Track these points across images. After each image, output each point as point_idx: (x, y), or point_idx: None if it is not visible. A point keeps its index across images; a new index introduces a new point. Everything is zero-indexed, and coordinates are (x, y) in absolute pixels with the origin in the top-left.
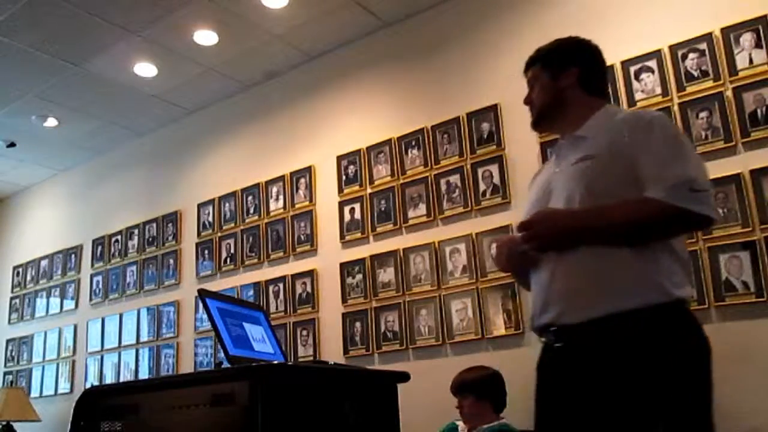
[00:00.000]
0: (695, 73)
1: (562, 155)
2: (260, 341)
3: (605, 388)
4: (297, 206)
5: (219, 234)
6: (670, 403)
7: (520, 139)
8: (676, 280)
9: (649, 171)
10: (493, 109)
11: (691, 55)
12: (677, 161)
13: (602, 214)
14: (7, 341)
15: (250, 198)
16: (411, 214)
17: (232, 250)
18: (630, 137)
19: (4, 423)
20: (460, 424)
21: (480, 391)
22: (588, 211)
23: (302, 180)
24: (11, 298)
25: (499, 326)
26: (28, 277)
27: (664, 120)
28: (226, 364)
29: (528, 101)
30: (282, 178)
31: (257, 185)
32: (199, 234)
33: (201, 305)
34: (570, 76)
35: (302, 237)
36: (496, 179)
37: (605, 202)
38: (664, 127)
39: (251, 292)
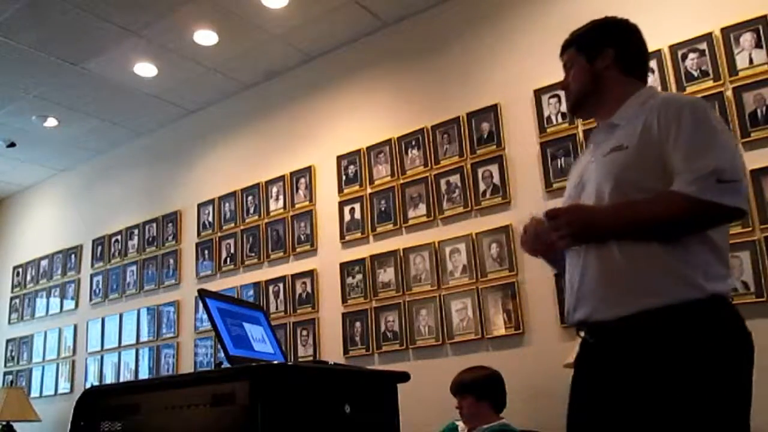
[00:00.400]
0: (695, 73)
1: (597, 144)
2: (260, 341)
3: (634, 388)
4: (297, 206)
5: (219, 234)
6: (697, 407)
7: (520, 139)
8: (711, 273)
9: (677, 162)
10: (493, 108)
11: (691, 55)
12: (705, 150)
13: (628, 211)
14: (7, 341)
15: (250, 198)
16: (411, 214)
17: (232, 250)
18: (659, 125)
19: (4, 423)
20: (460, 424)
21: (480, 391)
22: (614, 208)
23: (302, 180)
24: (11, 298)
25: (499, 326)
26: (28, 277)
27: (697, 105)
28: (226, 364)
29: (564, 86)
30: (282, 178)
31: (257, 185)
32: (199, 234)
33: (201, 305)
34: (606, 58)
35: (302, 237)
36: (496, 179)
37: (634, 196)
38: (695, 113)
39: (251, 292)
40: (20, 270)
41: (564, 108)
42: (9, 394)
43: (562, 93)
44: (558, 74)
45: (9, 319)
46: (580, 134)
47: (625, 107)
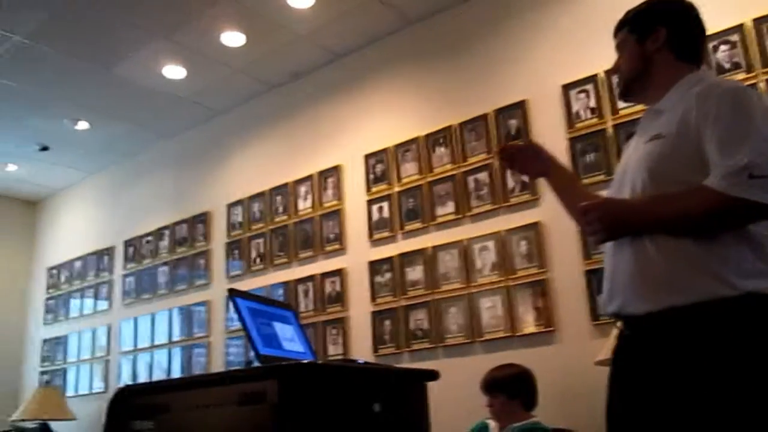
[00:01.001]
0: (727, 65)
1: (642, 130)
2: (290, 340)
3: (663, 385)
4: (325, 205)
5: (248, 234)
6: (719, 405)
7: (549, 135)
8: (746, 269)
9: (712, 154)
10: (521, 105)
11: (722, 47)
12: (740, 143)
13: (659, 206)
14: (43, 341)
15: (278, 198)
16: (439, 211)
17: (262, 250)
18: (698, 113)
19: (40, 422)
20: (491, 422)
21: (511, 389)
22: (646, 203)
23: (330, 179)
24: (46, 299)
25: (529, 324)
26: (63, 279)
27: (739, 92)
28: (256, 364)
29: (615, 69)
30: (310, 177)
31: (286, 185)
32: (228, 234)
33: (231, 305)
34: (657, 39)
35: (331, 236)
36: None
37: (669, 188)
38: (735, 101)
39: (281, 292)
40: (55, 271)
41: (593, 103)
42: (45, 394)
43: (590, 88)
44: (586, 69)
45: (44, 320)
46: (610, 129)
47: (671, 93)
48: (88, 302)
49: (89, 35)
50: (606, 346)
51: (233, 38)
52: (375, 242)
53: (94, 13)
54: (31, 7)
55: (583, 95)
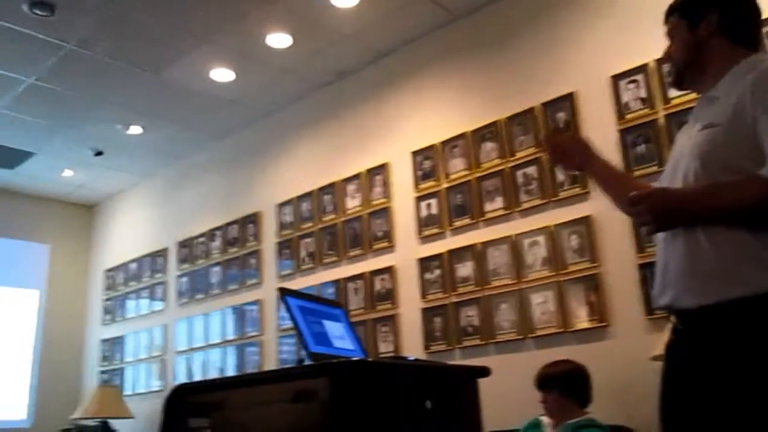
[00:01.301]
0: None
1: (696, 118)
2: (340, 338)
3: (717, 380)
4: (373, 203)
5: (298, 233)
6: None
7: (598, 127)
8: None
9: (766, 142)
10: (569, 97)
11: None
12: None
13: (712, 196)
14: (102, 341)
15: (327, 196)
16: (488, 207)
17: (311, 249)
18: (752, 100)
19: (100, 420)
20: (544, 418)
21: (565, 385)
22: (698, 192)
23: (378, 177)
24: (104, 301)
25: (581, 319)
26: (119, 280)
27: None
28: (308, 362)
29: (667, 57)
30: (358, 175)
31: (334, 184)
32: (278, 234)
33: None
34: (709, 24)
35: (380, 234)
36: None
37: (722, 178)
38: None
39: (331, 290)
40: (111, 273)
41: (643, 93)
42: (104, 393)
43: (640, 77)
44: (635, 58)
45: (102, 321)
46: (661, 119)
47: (726, 79)
48: (144, 303)
49: (138, 41)
50: (661, 341)
51: (279, 39)
52: (424, 239)
53: (142, 19)
54: (82, 15)
55: (632, 85)
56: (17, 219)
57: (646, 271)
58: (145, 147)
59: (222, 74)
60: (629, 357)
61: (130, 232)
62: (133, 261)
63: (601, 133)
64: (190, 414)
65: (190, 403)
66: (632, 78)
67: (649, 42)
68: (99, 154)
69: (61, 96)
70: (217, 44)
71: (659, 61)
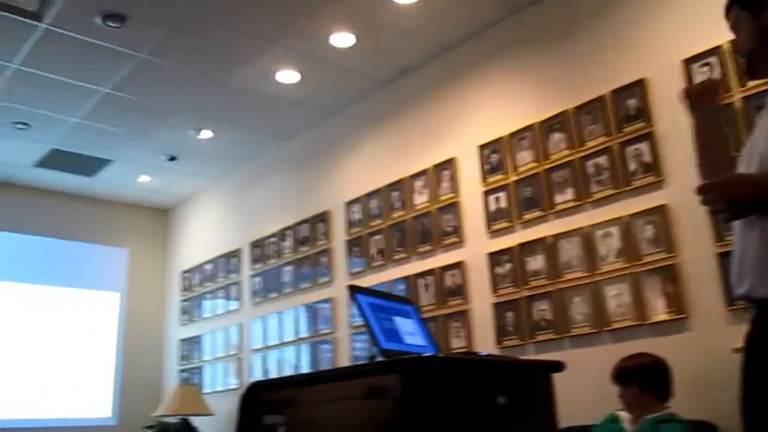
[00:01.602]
0: None
1: None
2: (411, 334)
3: None
4: (441, 198)
5: (367, 230)
6: None
7: (671, 113)
8: None
9: None
10: (639, 84)
11: None
12: None
13: None
14: (180, 341)
15: (395, 193)
16: (558, 199)
17: (381, 246)
18: None
19: (181, 417)
20: (622, 413)
21: (644, 379)
22: None
23: (445, 172)
24: (181, 301)
25: (659, 311)
26: (195, 281)
27: None
28: (379, 358)
29: (736, 50)
30: (425, 171)
31: (401, 180)
32: (348, 232)
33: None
34: None
35: (448, 229)
36: (647, 157)
37: None
38: None
39: (402, 287)
40: (188, 275)
41: (718, 75)
42: (184, 391)
43: (714, 60)
44: (708, 41)
45: (180, 321)
46: (738, 102)
47: None
48: (220, 303)
49: (207, 48)
50: (743, 333)
51: (342, 39)
52: (493, 233)
53: (210, 27)
54: (152, 26)
55: (706, 68)
56: (97, 224)
57: (725, 260)
58: (216, 151)
59: (288, 76)
60: (709, 349)
61: (204, 234)
62: (208, 262)
63: (675, 119)
64: (264, 411)
65: (264, 400)
66: (705, 61)
67: (722, 23)
68: (172, 159)
69: (135, 104)
70: (283, 46)
71: (733, 42)
